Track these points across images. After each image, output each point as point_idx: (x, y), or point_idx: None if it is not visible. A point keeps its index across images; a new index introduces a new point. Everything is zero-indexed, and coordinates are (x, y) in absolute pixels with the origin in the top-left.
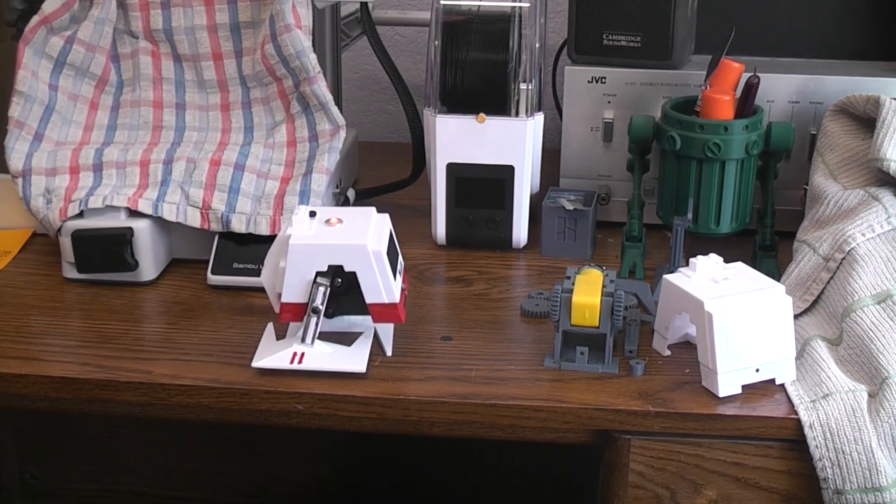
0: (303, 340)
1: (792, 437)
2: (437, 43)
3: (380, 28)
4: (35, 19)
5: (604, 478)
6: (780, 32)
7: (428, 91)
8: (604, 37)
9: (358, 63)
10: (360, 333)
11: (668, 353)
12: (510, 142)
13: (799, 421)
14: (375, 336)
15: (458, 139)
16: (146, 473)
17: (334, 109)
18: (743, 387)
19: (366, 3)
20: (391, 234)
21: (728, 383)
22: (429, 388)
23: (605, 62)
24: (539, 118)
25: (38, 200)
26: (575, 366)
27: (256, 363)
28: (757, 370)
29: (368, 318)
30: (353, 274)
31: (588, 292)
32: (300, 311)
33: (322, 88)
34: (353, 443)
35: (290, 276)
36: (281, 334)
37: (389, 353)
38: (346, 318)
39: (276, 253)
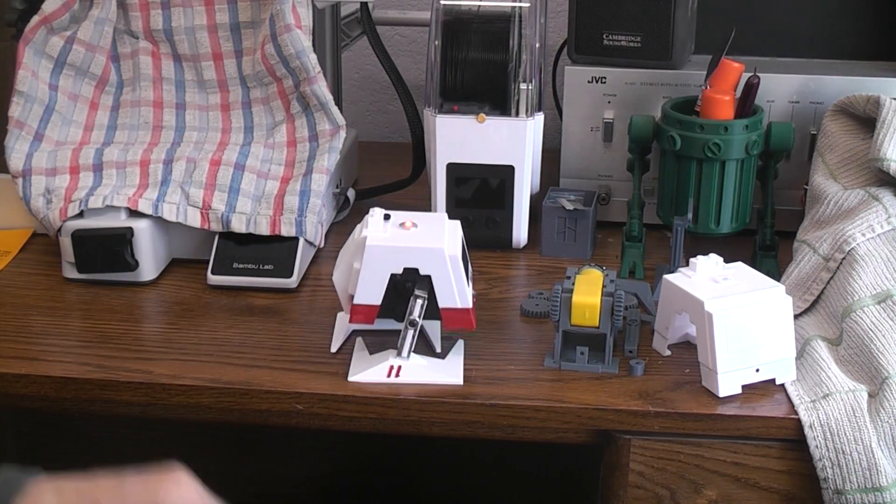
0: (399, 354)
1: (792, 437)
2: (437, 43)
3: (380, 28)
4: (35, 19)
5: (604, 478)
6: (780, 32)
7: (428, 91)
8: (604, 37)
9: (358, 63)
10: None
11: (668, 353)
12: (510, 142)
13: (799, 421)
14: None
15: (458, 139)
16: None
17: (334, 109)
18: (743, 387)
19: (366, 3)
20: (462, 240)
21: (728, 383)
22: (429, 388)
23: (605, 62)
24: (539, 118)
25: (39, 200)
26: (575, 366)
27: (354, 377)
28: (757, 370)
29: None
30: (428, 279)
31: (588, 292)
32: (372, 313)
33: (322, 88)
34: (353, 443)
35: (365, 278)
36: (373, 347)
37: (438, 350)
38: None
39: (350, 254)
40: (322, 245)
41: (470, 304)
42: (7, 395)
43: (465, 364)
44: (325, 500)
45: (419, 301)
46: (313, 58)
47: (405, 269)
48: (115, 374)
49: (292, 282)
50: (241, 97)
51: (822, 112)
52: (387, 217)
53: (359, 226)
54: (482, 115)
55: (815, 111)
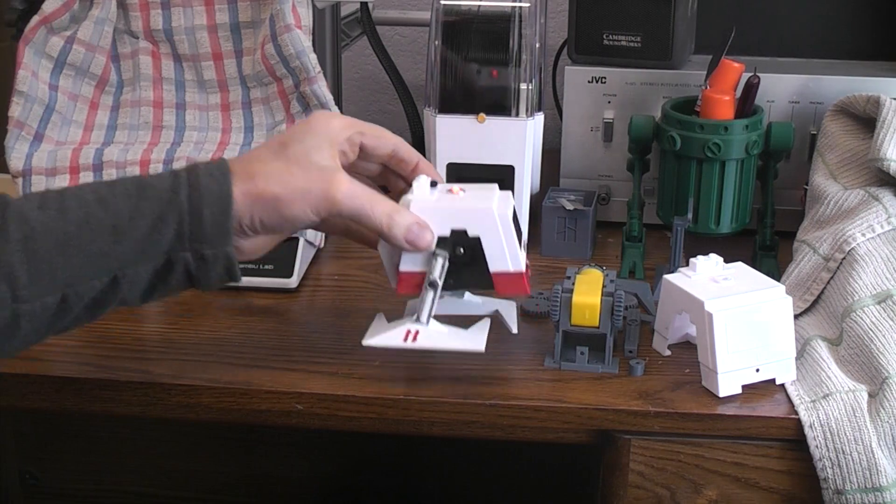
0: (418, 318)
1: (792, 437)
2: (437, 43)
3: (380, 28)
4: (35, 19)
5: (604, 478)
6: (780, 32)
7: (428, 91)
8: (604, 37)
9: (358, 63)
10: (480, 318)
11: (668, 353)
12: (510, 142)
13: (799, 421)
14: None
15: (458, 139)
16: (146, 473)
17: (334, 109)
18: (743, 387)
19: (366, 3)
20: (514, 208)
21: (728, 383)
22: (429, 388)
23: (605, 62)
24: (539, 118)
25: None
26: (575, 366)
27: (367, 341)
28: (757, 370)
29: (489, 302)
30: (478, 242)
31: (588, 292)
32: (418, 282)
33: (322, 88)
34: (353, 443)
35: None
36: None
37: (515, 331)
38: (464, 301)
39: None
40: (322, 245)
41: (523, 268)
42: (7, 395)
43: (463, 365)
44: (324, 500)
45: (439, 260)
46: (313, 58)
47: (453, 232)
48: (115, 374)
49: (292, 282)
50: (241, 97)
51: (822, 112)
52: (433, 184)
53: (405, 196)
54: (482, 115)
55: (815, 111)
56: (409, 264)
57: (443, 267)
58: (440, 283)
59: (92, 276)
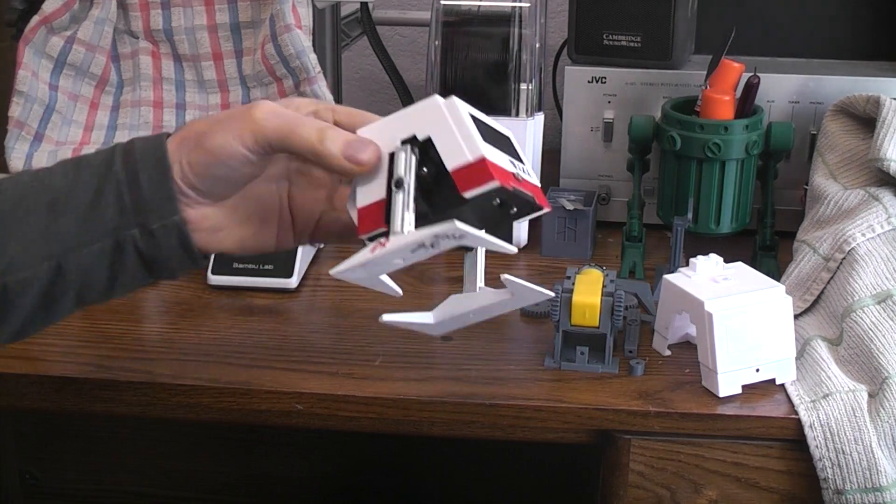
0: (391, 230)
1: (792, 437)
2: (437, 43)
3: (380, 28)
4: (35, 19)
5: (604, 478)
6: (780, 32)
7: (428, 91)
8: (604, 37)
9: (358, 63)
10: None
11: (668, 353)
12: None
13: (799, 421)
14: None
15: None
16: (146, 473)
17: None
18: (743, 387)
19: (366, 3)
20: (482, 119)
21: (728, 383)
22: (429, 388)
23: (605, 62)
24: (539, 118)
25: None
26: (575, 366)
27: (335, 270)
28: (757, 370)
29: (496, 294)
30: (431, 146)
31: (588, 292)
32: (379, 212)
33: (322, 88)
34: (353, 443)
35: (363, 174)
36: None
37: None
38: (477, 295)
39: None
40: (322, 245)
41: (482, 152)
42: (7, 395)
43: (463, 365)
44: (324, 500)
45: (401, 155)
46: (313, 58)
47: (402, 142)
48: (115, 374)
49: (292, 282)
50: (241, 97)
51: (822, 112)
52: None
53: None
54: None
55: (815, 111)
56: (366, 195)
57: (407, 162)
58: (408, 182)
59: (31, 262)
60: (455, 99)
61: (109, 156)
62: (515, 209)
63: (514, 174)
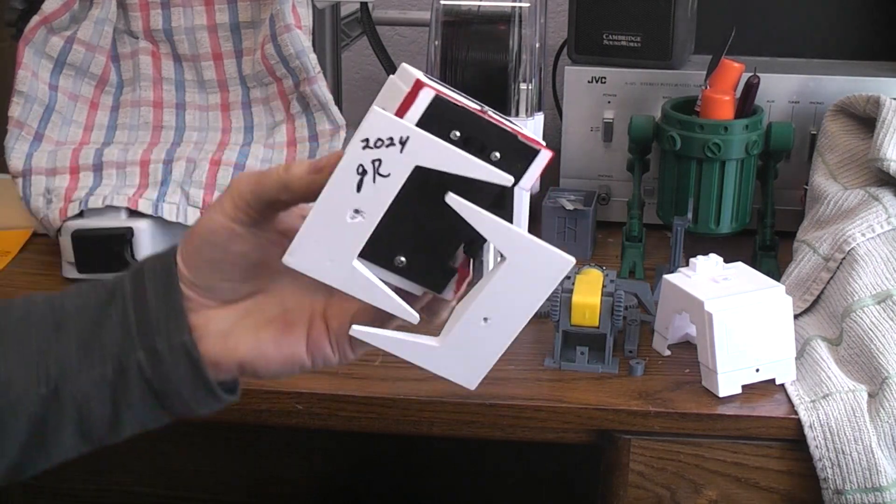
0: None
1: (792, 437)
2: (437, 43)
3: (380, 28)
4: (35, 19)
5: (604, 478)
6: (780, 32)
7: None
8: (604, 37)
9: (358, 63)
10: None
11: (668, 353)
12: None
13: (799, 421)
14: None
15: None
16: (146, 473)
17: (334, 109)
18: (743, 387)
19: (366, 3)
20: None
21: (728, 383)
22: (429, 388)
23: (605, 62)
24: (539, 118)
25: (38, 200)
26: (575, 366)
27: (286, 258)
28: (757, 370)
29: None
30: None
31: (588, 292)
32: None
33: (322, 88)
34: (353, 443)
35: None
36: None
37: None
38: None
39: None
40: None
41: (415, 76)
42: None
43: None
44: (324, 500)
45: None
46: (313, 58)
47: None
48: None
49: None
50: (241, 97)
51: (822, 112)
52: None
53: None
54: None
55: (815, 111)
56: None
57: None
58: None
59: (26, 383)
60: (404, 65)
61: (123, 274)
62: (497, 153)
63: (478, 109)
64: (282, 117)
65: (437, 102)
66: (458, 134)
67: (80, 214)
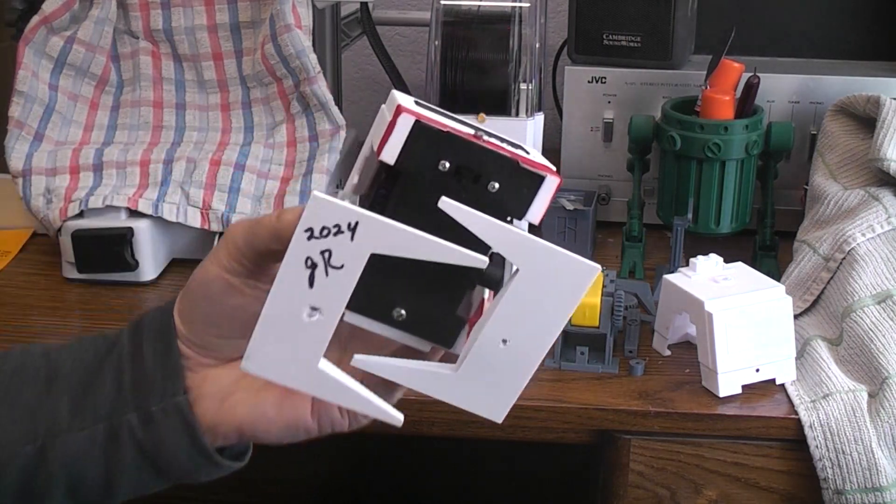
0: None
1: (792, 437)
2: (437, 43)
3: (380, 28)
4: (35, 19)
5: (604, 478)
6: (780, 32)
7: (428, 91)
8: (604, 37)
9: (358, 63)
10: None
11: (668, 353)
12: None
13: (799, 421)
14: None
15: None
16: None
17: (334, 109)
18: (743, 387)
19: (366, 3)
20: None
21: (728, 383)
22: None
23: (605, 62)
24: (539, 118)
25: (38, 200)
26: (575, 366)
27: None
28: (757, 370)
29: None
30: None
31: (588, 292)
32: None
33: (322, 88)
34: (353, 443)
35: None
36: None
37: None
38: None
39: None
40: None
41: (398, 102)
42: None
43: None
44: (324, 500)
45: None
46: (313, 58)
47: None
48: None
49: None
50: (241, 97)
51: (822, 112)
52: None
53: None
54: (482, 114)
55: (815, 111)
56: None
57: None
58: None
59: (13, 440)
60: (392, 92)
61: (123, 328)
62: (495, 182)
63: (472, 133)
64: (282, 117)
65: (420, 129)
66: (447, 164)
67: (80, 214)
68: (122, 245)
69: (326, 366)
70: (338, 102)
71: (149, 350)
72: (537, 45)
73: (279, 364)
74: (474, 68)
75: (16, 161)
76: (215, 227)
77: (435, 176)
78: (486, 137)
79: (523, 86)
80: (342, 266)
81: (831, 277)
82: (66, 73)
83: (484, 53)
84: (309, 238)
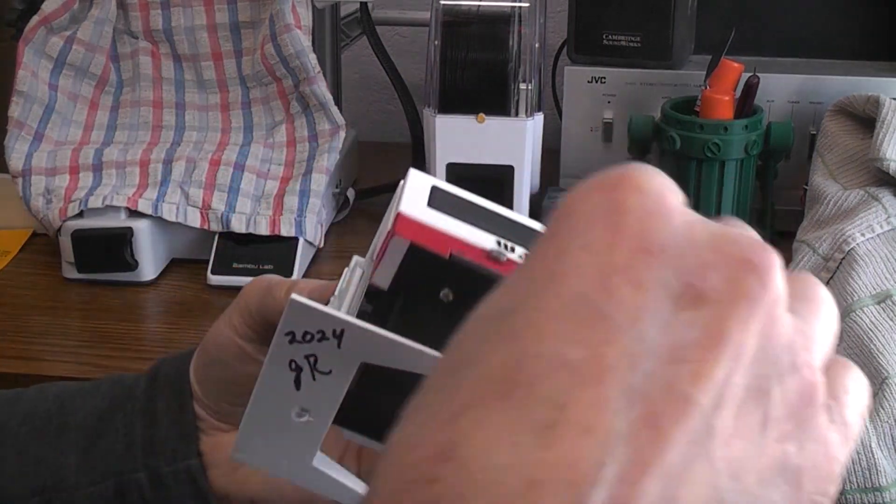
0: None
1: None
2: (437, 43)
3: (380, 28)
4: (35, 19)
5: None
6: (780, 32)
7: (427, 91)
8: (604, 37)
9: (358, 63)
10: None
11: None
12: (510, 142)
13: None
14: None
15: (457, 139)
16: None
17: (334, 109)
18: None
19: (366, 3)
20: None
21: None
22: None
23: (605, 62)
24: (539, 118)
25: (38, 200)
26: None
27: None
28: None
29: None
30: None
31: None
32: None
33: (322, 88)
34: None
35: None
36: None
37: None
38: None
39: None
40: (322, 245)
41: (401, 209)
42: None
43: None
44: None
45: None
46: (313, 58)
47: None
48: None
49: None
50: (240, 97)
51: (822, 112)
52: None
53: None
54: (482, 115)
55: (815, 111)
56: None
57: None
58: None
59: (18, 493)
60: (411, 171)
61: (139, 376)
62: None
63: (487, 251)
64: (281, 117)
65: (415, 254)
66: (450, 296)
67: (80, 214)
68: (122, 245)
69: (322, 462)
70: (337, 102)
71: (162, 406)
72: (537, 45)
73: (271, 457)
74: (474, 68)
75: (15, 161)
76: (215, 226)
77: (435, 304)
78: (509, 254)
79: (523, 86)
80: (330, 372)
81: (831, 277)
82: (65, 73)
83: (484, 53)
84: (291, 342)
